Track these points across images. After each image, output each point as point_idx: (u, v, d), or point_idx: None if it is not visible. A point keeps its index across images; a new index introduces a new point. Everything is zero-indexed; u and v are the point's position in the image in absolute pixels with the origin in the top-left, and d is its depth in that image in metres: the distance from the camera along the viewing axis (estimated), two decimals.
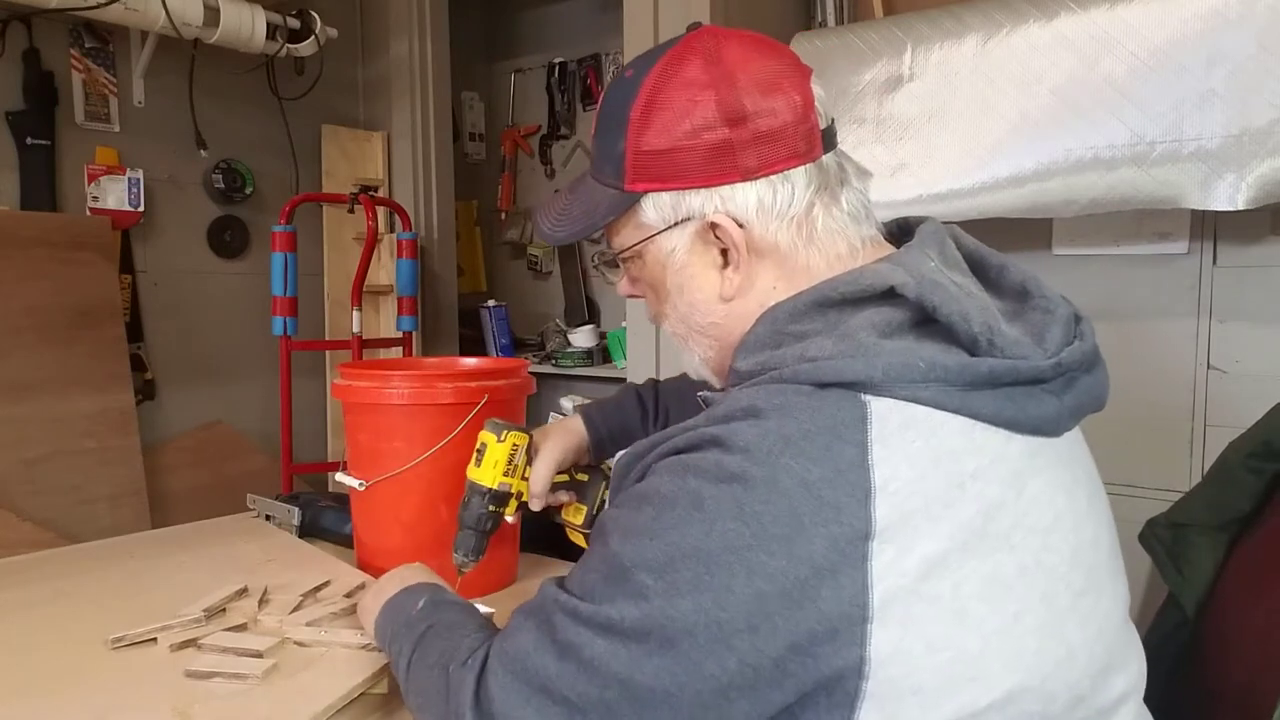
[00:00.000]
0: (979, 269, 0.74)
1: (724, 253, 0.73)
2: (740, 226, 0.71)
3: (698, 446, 0.63)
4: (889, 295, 0.66)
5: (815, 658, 0.58)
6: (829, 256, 0.72)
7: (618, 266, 0.81)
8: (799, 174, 0.71)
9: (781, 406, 0.61)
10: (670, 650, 0.59)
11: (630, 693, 0.60)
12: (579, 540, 1.11)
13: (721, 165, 0.70)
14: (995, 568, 0.60)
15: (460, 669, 0.70)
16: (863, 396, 0.61)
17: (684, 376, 1.13)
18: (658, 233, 0.74)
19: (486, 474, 1.01)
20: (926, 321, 0.65)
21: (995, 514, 0.61)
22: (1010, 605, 0.60)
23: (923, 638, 0.58)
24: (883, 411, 0.60)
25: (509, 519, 1.05)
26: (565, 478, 1.07)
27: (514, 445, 1.01)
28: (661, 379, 1.19)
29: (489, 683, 0.67)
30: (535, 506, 1.05)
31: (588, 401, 1.14)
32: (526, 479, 1.03)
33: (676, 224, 0.73)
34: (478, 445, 1.02)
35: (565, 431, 1.08)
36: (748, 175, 0.70)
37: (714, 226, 0.71)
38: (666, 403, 1.13)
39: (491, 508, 1.02)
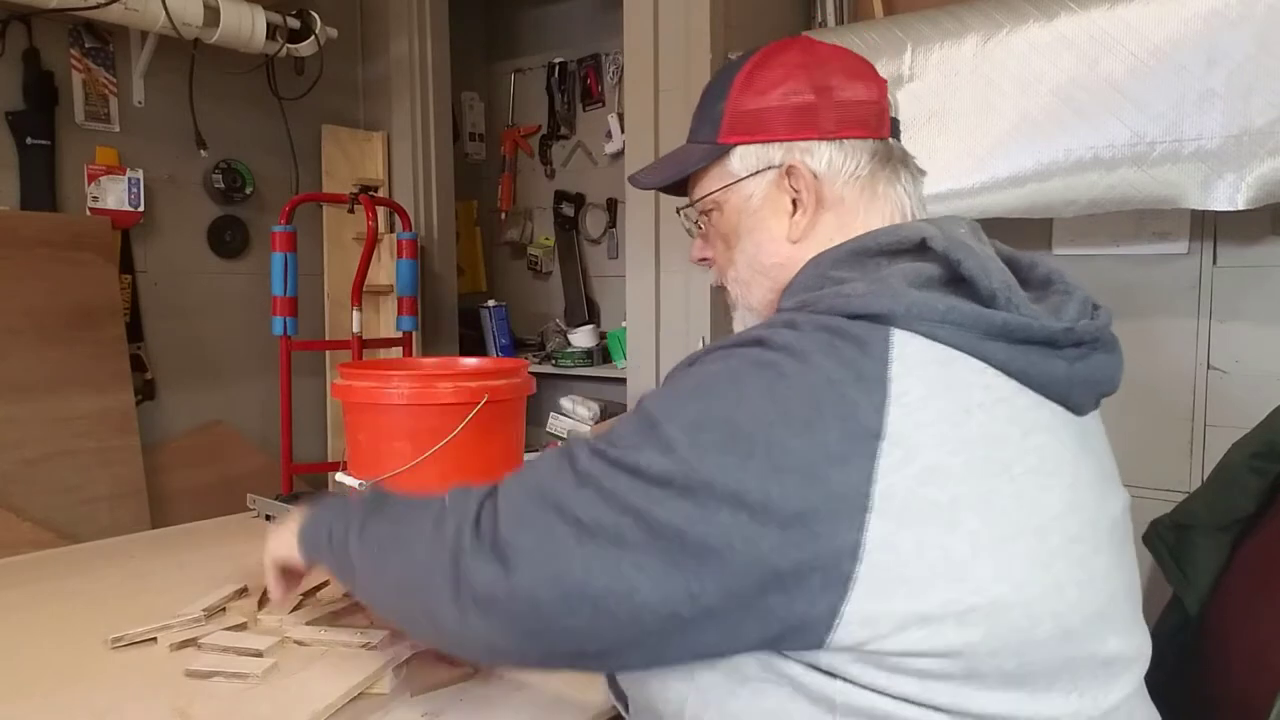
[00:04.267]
0: (1012, 267, 0.77)
1: (794, 202, 0.81)
2: (814, 176, 0.80)
3: (742, 343, 0.69)
4: (922, 249, 0.72)
5: (816, 536, 0.60)
6: (885, 219, 0.81)
7: (698, 224, 0.89)
8: (868, 144, 0.81)
9: (815, 323, 0.67)
10: (688, 496, 0.62)
11: (643, 521, 0.62)
12: None
13: (804, 122, 0.80)
14: (993, 489, 0.63)
15: (457, 499, 0.72)
16: (887, 327, 0.66)
17: None
18: (740, 179, 0.83)
19: None
20: (955, 281, 0.70)
21: (998, 445, 0.65)
22: (1003, 527, 0.63)
23: (915, 537, 0.60)
24: (903, 339, 0.65)
25: None
26: None
27: None
28: None
29: (495, 502, 0.69)
30: None
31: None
32: None
33: (758, 172, 0.82)
34: None
35: None
36: (825, 135, 0.80)
37: (791, 171, 0.80)
38: None
39: None
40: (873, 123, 0.81)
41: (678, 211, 0.92)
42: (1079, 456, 0.71)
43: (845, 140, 0.80)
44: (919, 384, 0.64)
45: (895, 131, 0.84)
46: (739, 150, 0.82)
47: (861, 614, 0.60)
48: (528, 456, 0.74)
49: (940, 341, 0.66)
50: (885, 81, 0.84)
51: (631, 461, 0.64)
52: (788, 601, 0.61)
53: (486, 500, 0.70)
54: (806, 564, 0.60)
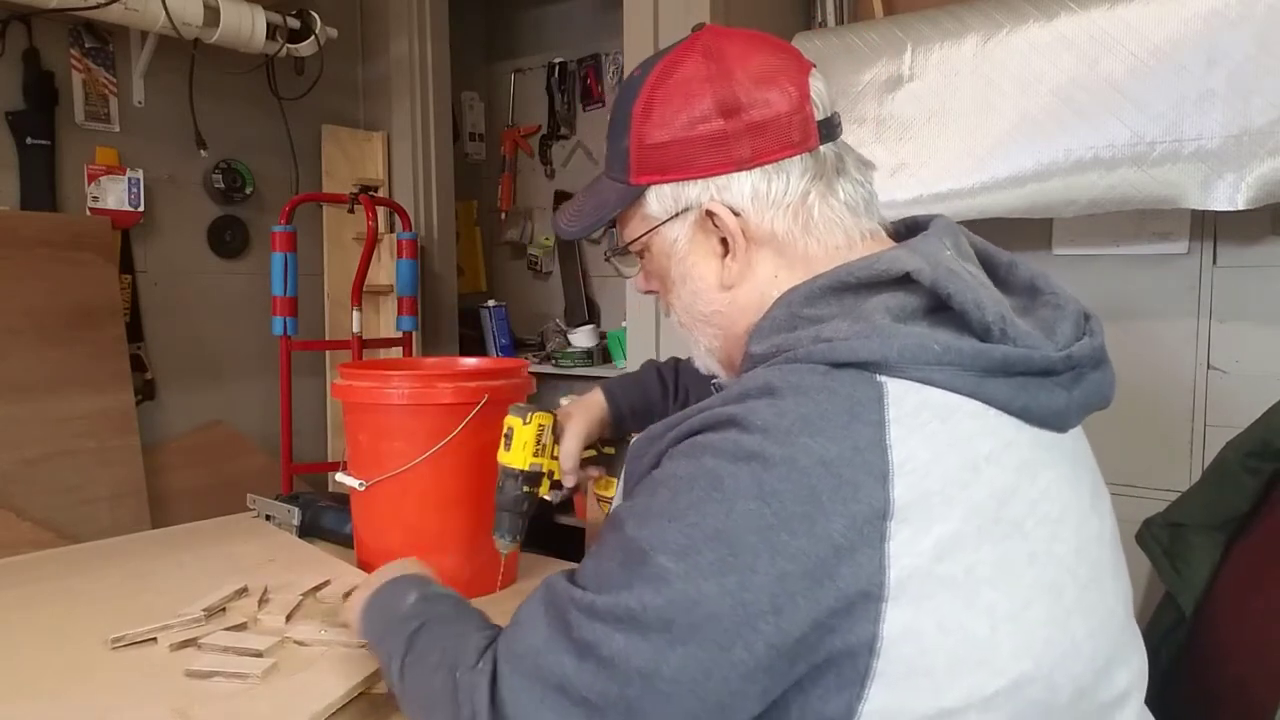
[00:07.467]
0: (988, 267, 0.75)
1: (723, 241, 0.75)
2: (736, 215, 0.73)
3: (713, 427, 0.63)
4: (904, 281, 0.67)
5: (832, 632, 0.58)
6: (827, 247, 0.73)
7: (631, 260, 0.84)
8: (794, 163, 0.72)
9: (797, 385, 0.61)
10: (695, 637, 0.58)
11: (654, 687, 0.59)
12: None
13: (717, 156, 0.72)
14: (1006, 553, 0.60)
15: (470, 673, 0.68)
16: (878, 377, 0.61)
17: None
18: (661, 223, 0.76)
19: (517, 456, 1.02)
20: (940, 309, 0.66)
21: (1008, 499, 0.61)
22: (1020, 592, 0.61)
23: (935, 618, 0.58)
24: (898, 392, 0.61)
25: (546, 497, 1.05)
26: (592, 453, 1.09)
27: (540, 426, 1.02)
28: (683, 359, 1.19)
29: (502, 687, 0.65)
30: (568, 483, 1.06)
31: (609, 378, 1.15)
32: (556, 458, 1.04)
33: (677, 214, 0.75)
34: (504, 430, 1.03)
35: (587, 407, 1.09)
36: (742, 165, 0.72)
37: (711, 215, 0.73)
38: (686, 381, 1.14)
39: (526, 489, 1.03)
40: (796, 137, 0.72)
41: (606, 258, 0.88)
42: (1077, 481, 0.69)
43: (767, 165, 0.72)
44: (922, 447, 0.59)
45: (828, 131, 0.74)
46: (654, 191, 0.75)
47: (881, 713, 0.58)
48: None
49: (938, 386, 0.62)
50: (806, 75, 0.74)
51: (625, 607, 0.60)
52: (803, 699, 0.60)
53: (494, 687, 0.65)
54: (820, 661, 0.59)
